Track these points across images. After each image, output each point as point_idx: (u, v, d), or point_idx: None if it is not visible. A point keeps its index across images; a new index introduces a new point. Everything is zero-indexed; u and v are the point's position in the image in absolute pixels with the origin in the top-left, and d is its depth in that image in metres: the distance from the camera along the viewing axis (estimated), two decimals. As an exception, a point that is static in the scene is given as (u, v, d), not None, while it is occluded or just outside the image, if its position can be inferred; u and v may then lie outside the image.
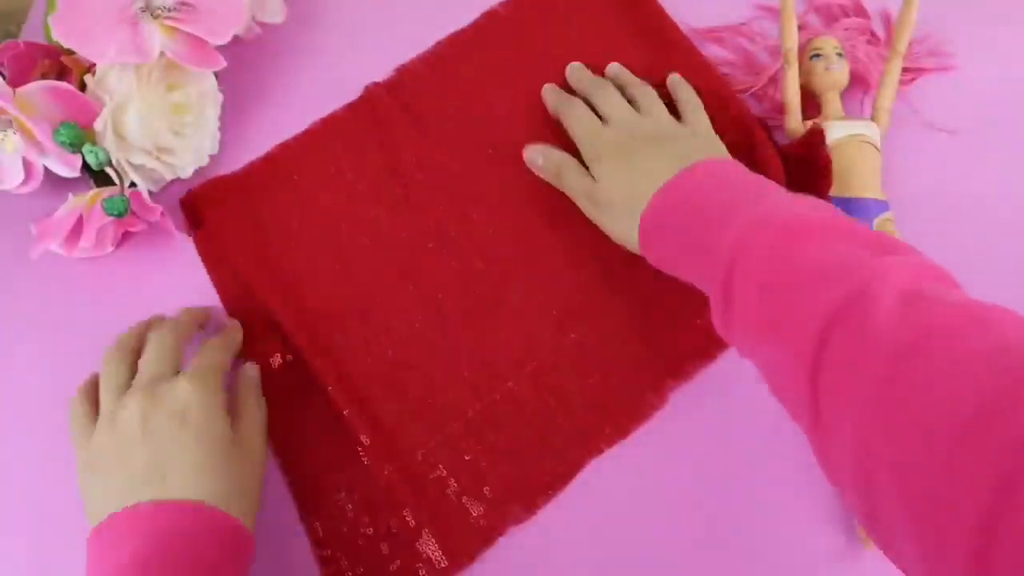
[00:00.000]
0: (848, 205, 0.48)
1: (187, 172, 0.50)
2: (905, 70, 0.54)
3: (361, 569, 0.43)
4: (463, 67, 0.55)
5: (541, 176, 0.51)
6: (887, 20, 0.57)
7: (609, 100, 0.50)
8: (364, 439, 0.44)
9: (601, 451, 0.45)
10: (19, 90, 0.44)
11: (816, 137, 0.47)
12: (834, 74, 0.52)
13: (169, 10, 0.46)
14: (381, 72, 0.55)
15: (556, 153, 0.50)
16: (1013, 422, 0.24)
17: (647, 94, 0.50)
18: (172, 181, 0.51)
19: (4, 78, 0.45)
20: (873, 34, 0.56)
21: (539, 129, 0.53)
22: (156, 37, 0.45)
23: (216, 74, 0.51)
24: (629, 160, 0.45)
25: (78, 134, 0.45)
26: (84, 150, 0.45)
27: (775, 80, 0.54)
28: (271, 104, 0.54)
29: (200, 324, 0.47)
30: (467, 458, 0.45)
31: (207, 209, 0.50)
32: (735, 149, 0.47)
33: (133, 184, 0.47)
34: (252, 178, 0.52)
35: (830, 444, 0.30)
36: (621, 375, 0.47)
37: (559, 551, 0.44)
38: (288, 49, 0.56)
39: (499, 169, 0.52)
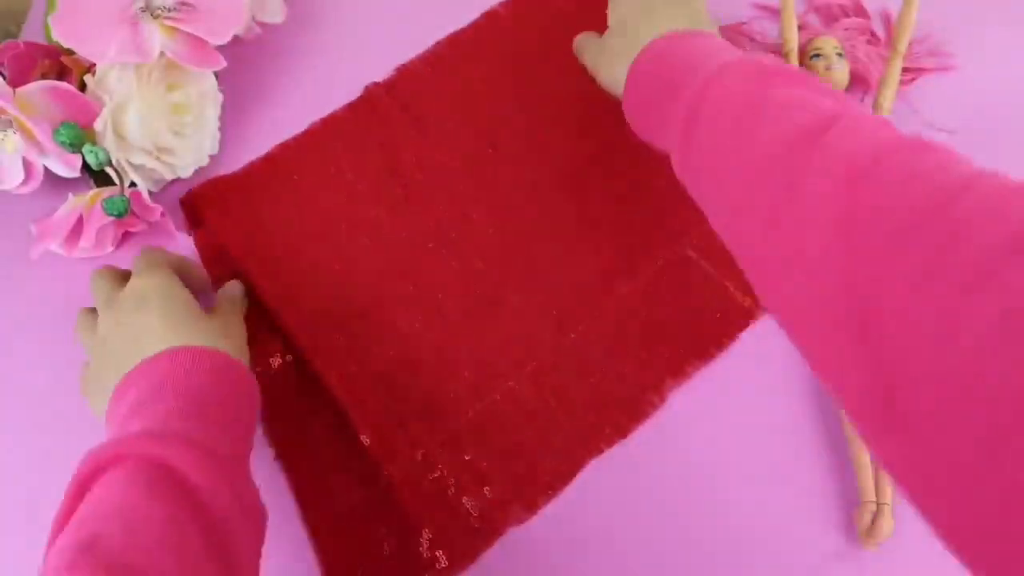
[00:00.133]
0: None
1: (187, 172, 0.50)
2: (905, 70, 0.54)
3: (361, 570, 0.43)
4: (463, 67, 0.55)
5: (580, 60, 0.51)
6: (887, 20, 0.57)
7: None
8: (364, 439, 0.44)
9: (601, 451, 0.45)
10: (19, 90, 0.44)
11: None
12: (834, 74, 0.52)
13: (169, 10, 0.46)
14: (381, 72, 0.55)
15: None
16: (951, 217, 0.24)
17: None
18: (172, 181, 0.51)
19: (4, 78, 0.45)
20: (873, 34, 0.56)
21: (540, 129, 0.53)
22: (156, 37, 0.45)
23: (216, 74, 0.51)
24: (644, 4, 0.45)
25: (78, 134, 0.45)
26: (84, 150, 0.45)
27: (775, 80, 0.54)
28: (271, 104, 0.54)
29: (188, 272, 0.46)
30: (467, 458, 0.45)
31: (207, 209, 0.50)
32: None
33: (133, 184, 0.47)
34: (252, 178, 0.52)
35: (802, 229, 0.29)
36: (621, 375, 0.47)
37: (559, 551, 0.44)
38: (288, 49, 0.56)
39: (499, 169, 0.52)
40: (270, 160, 0.52)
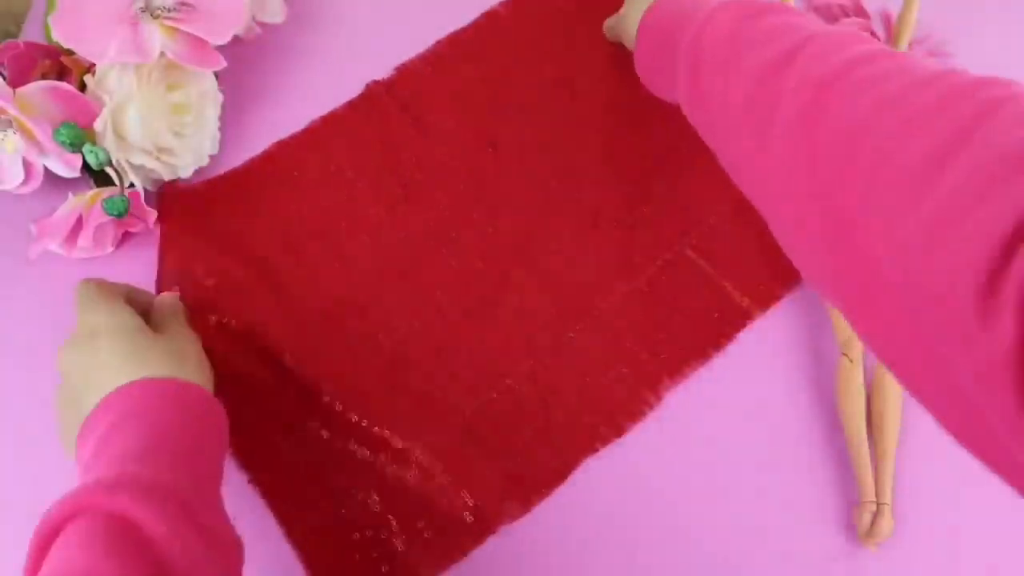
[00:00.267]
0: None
1: (187, 172, 0.50)
2: (905, 70, 0.54)
3: (355, 566, 0.43)
4: (463, 67, 0.55)
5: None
6: (887, 20, 0.57)
7: None
8: (362, 437, 0.44)
9: (596, 450, 0.45)
10: (19, 90, 0.44)
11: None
12: (834, 74, 0.52)
13: (169, 10, 0.46)
14: (381, 72, 0.55)
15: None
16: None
17: None
18: (172, 182, 0.51)
19: (4, 78, 0.45)
20: (873, 34, 0.56)
21: (540, 128, 0.53)
22: (156, 37, 0.45)
23: (216, 74, 0.51)
24: None
25: (78, 134, 0.45)
26: (84, 150, 0.45)
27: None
28: (271, 104, 0.54)
29: (133, 296, 0.45)
30: (463, 455, 0.45)
31: (177, 205, 0.50)
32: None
33: (132, 184, 0.47)
34: (252, 175, 0.52)
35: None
36: (619, 374, 0.47)
37: (553, 549, 0.44)
38: (288, 49, 0.56)
39: (499, 169, 0.52)
40: (270, 158, 0.52)
